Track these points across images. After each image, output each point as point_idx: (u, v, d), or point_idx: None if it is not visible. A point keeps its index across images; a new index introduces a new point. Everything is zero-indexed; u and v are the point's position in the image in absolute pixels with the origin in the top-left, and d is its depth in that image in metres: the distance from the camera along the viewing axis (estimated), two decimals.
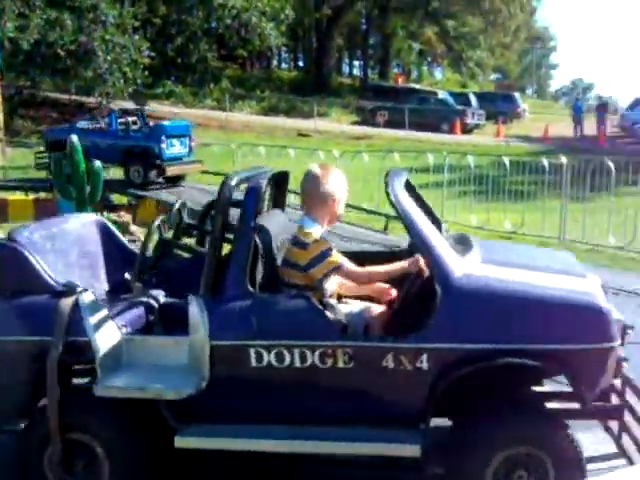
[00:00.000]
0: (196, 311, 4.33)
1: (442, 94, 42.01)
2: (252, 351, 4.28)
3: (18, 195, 18.43)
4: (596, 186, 13.40)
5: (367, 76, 62.34)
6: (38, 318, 4.55)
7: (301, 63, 69.46)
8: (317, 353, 4.24)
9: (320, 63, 51.90)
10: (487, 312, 4.18)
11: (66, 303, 4.46)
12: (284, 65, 75.45)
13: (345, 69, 74.99)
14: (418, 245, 4.29)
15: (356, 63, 75.55)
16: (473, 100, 42.17)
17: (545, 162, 13.71)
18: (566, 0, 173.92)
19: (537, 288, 4.24)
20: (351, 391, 4.32)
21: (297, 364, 4.27)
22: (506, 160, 14.48)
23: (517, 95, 48.90)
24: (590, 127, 37.03)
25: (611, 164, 12.73)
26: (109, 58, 31.29)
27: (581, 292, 4.31)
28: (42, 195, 17.93)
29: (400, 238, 12.83)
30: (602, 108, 36.91)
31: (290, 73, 63.63)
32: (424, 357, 4.14)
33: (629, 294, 9.00)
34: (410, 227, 4.27)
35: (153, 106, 38.00)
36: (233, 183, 4.51)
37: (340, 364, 4.23)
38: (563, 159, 13.72)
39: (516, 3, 50.40)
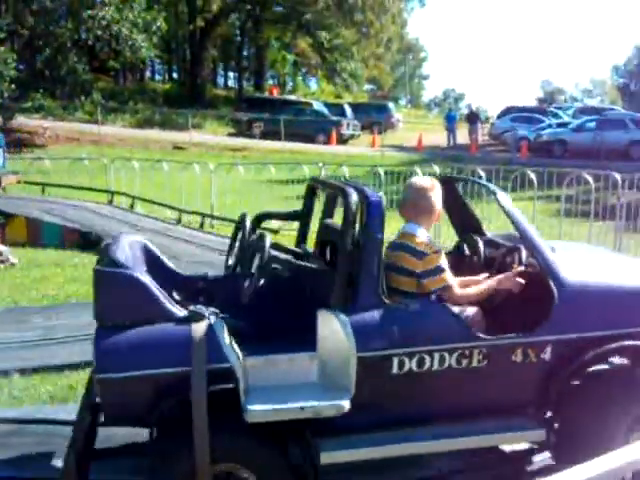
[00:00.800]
0: (335, 324, 4.32)
1: (317, 105, 42.39)
2: (395, 359, 4.41)
3: None
4: (468, 193, 13.68)
5: (242, 87, 62.33)
6: (171, 348, 4.23)
7: (175, 75, 68.79)
8: (455, 355, 4.51)
9: (194, 75, 51.55)
10: (597, 303, 4.77)
11: (200, 329, 4.21)
12: (158, 77, 74.56)
13: (220, 81, 74.75)
14: (531, 249, 4.79)
15: (231, 74, 75.48)
16: (348, 111, 42.74)
17: (418, 171, 13.94)
18: (436, 12, 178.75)
19: (628, 279, 4.99)
20: (482, 387, 4.66)
21: (435, 367, 4.49)
22: (381, 170, 14.65)
23: (391, 105, 49.87)
24: (463, 136, 38.10)
25: (482, 172, 13.07)
26: None
27: None
28: None
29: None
30: (473, 118, 38.03)
31: (164, 85, 62.91)
32: (548, 349, 4.63)
33: None
34: (522, 233, 4.76)
35: (21, 120, 36.87)
36: (355, 199, 4.57)
37: (474, 363, 4.55)
38: (435, 168, 14.00)
39: (388, 15, 51.32)
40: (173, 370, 4.20)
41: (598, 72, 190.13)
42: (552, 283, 4.65)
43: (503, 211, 4.77)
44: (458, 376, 4.54)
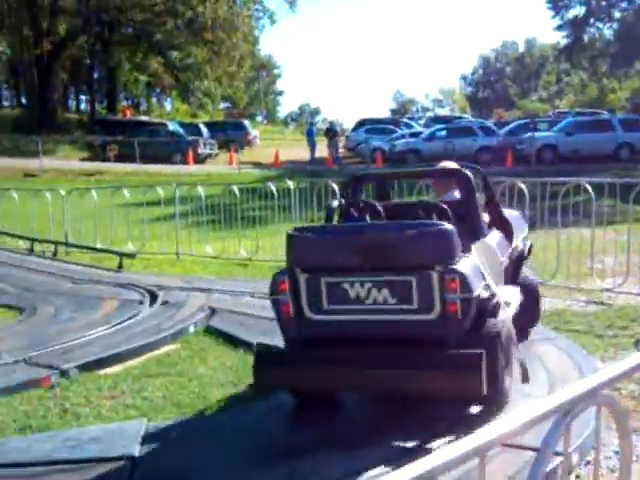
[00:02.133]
0: None
1: (172, 125, 42.11)
2: None
3: None
4: (323, 206, 13.87)
5: (95, 110, 61.06)
6: None
7: (24, 100, 66.68)
8: None
9: (44, 99, 50.03)
10: None
11: None
12: (6, 103, 72.03)
13: (72, 104, 72.91)
14: None
15: (83, 97, 73.82)
16: (204, 130, 42.61)
17: (273, 187, 14.05)
18: (288, 29, 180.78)
19: None
20: None
21: None
22: (235, 188, 14.65)
23: (247, 123, 50.06)
24: (322, 150, 38.59)
25: (335, 185, 13.29)
26: None
27: None
28: None
29: (136, 275, 12.62)
30: (330, 132, 38.64)
31: (13, 111, 60.84)
32: None
33: None
34: None
35: None
36: None
37: None
38: (289, 183, 14.15)
39: (239, 33, 51.45)
40: None
41: (447, 81, 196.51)
42: None
43: None
44: None
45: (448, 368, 5.23)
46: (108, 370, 7.53)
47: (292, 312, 5.67)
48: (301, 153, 39.82)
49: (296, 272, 5.65)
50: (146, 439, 5.56)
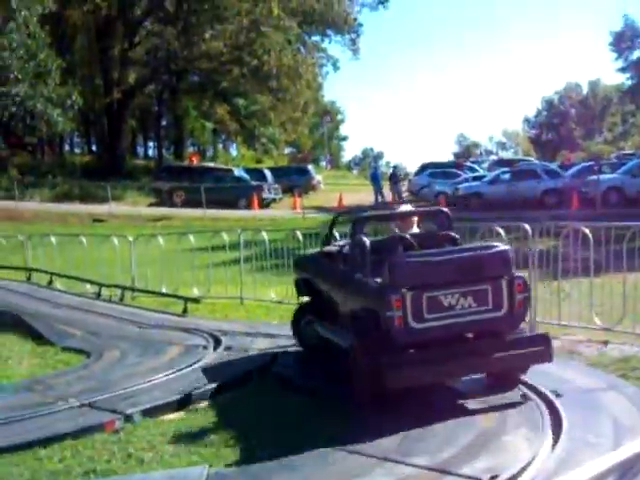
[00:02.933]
0: None
1: (237, 171, 42.62)
2: None
3: None
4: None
5: (162, 157, 62.29)
6: None
7: (95, 147, 68.38)
8: None
9: (113, 146, 51.32)
10: None
11: None
12: (77, 150, 73.98)
13: (140, 151, 74.57)
14: None
15: (151, 144, 75.41)
16: (268, 175, 43.05)
17: (336, 232, 14.02)
18: (351, 75, 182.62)
19: None
20: None
21: None
22: (299, 233, 14.69)
23: (310, 168, 50.43)
24: (387, 194, 38.60)
25: (397, 230, 13.22)
26: None
27: None
28: None
29: (201, 320, 12.70)
30: (393, 176, 38.71)
31: (83, 158, 62.39)
32: None
33: None
34: None
35: None
36: None
37: None
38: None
39: (303, 81, 52.11)
40: None
41: (510, 124, 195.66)
42: None
43: None
44: None
45: (531, 346, 7.41)
46: (171, 415, 7.56)
47: (402, 324, 7.05)
48: (365, 197, 39.88)
49: (402, 291, 7.05)
50: None
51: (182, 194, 37.95)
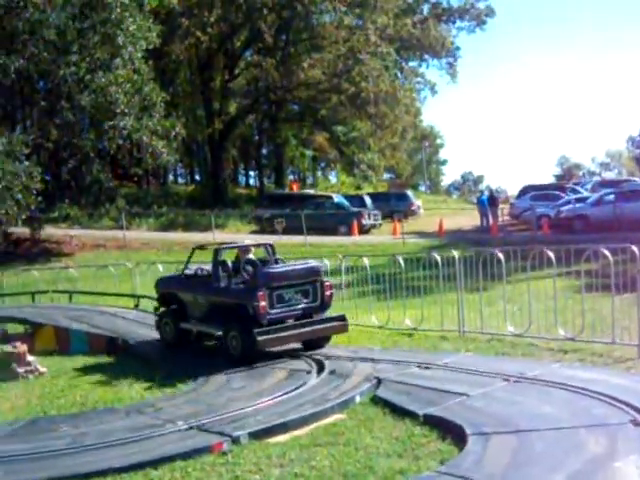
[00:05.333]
0: None
1: (337, 198, 42.81)
2: None
3: None
4: (489, 276, 13.66)
5: (263, 185, 63.22)
6: None
7: (197, 177, 69.99)
8: None
9: (216, 175, 52.41)
10: None
11: None
12: (181, 180, 75.88)
13: (241, 179, 75.88)
14: None
15: (252, 173, 76.65)
16: (368, 201, 43.11)
17: (437, 256, 14.00)
18: (449, 99, 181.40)
19: None
20: None
21: None
22: (400, 258, 14.71)
23: (410, 193, 50.27)
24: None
25: (500, 255, 13.08)
26: (0, 186, 30.86)
27: None
28: None
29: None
30: (493, 199, 38.24)
31: (187, 187, 63.97)
32: None
33: (531, 381, 9.09)
34: None
35: (49, 230, 37.54)
36: None
37: None
38: (454, 252, 14.03)
39: (400, 106, 52.19)
40: None
41: (614, 144, 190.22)
42: None
43: None
44: None
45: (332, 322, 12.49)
46: (277, 438, 7.66)
47: (264, 310, 11.64)
48: (465, 221, 39.52)
49: (264, 289, 11.71)
50: None
51: (283, 221, 38.36)
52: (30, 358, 12.98)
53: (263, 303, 11.56)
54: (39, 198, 32.58)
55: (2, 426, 9.00)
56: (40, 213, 35.06)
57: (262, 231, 39.50)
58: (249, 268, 12.61)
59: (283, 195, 46.55)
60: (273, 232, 37.88)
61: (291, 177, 68.16)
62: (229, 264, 12.69)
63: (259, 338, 11.30)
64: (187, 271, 13.86)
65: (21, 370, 12.64)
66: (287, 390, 9.26)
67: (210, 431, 7.77)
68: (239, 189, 64.25)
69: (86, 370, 12.73)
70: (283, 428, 7.86)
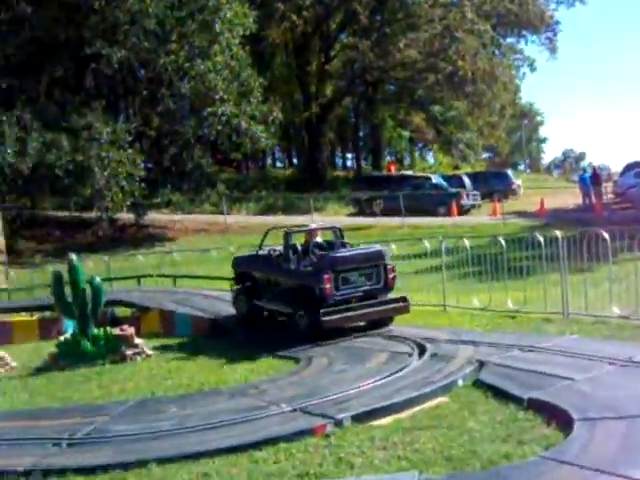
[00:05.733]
0: None
1: (435, 178, 42.40)
2: None
3: (23, 316, 18.45)
4: (594, 256, 13.28)
5: (360, 167, 63.15)
6: None
7: (295, 160, 70.43)
8: None
9: (313, 159, 52.60)
10: None
11: None
12: (279, 164, 76.54)
13: (339, 162, 75.99)
14: None
15: (349, 155, 76.64)
16: (467, 181, 42.54)
17: (539, 236, 13.70)
18: (549, 75, 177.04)
19: None
20: None
21: None
22: (501, 238, 14.46)
23: (510, 172, 49.33)
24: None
25: (606, 234, 12.71)
26: (106, 174, 31.77)
27: None
28: (48, 314, 17.94)
29: (405, 327, 12.77)
30: (596, 177, 37.16)
31: (285, 171, 64.47)
32: None
33: (638, 365, 8.81)
34: None
35: (153, 216, 38.48)
36: None
37: None
38: (557, 232, 13.69)
39: (499, 84, 51.20)
40: None
41: None
42: None
43: None
44: None
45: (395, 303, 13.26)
46: (380, 421, 7.66)
47: (330, 291, 12.42)
48: (567, 201, 38.58)
49: (329, 272, 12.46)
50: None
51: (381, 203, 38.27)
52: (138, 340, 13.34)
53: (328, 285, 12.34)
54: (142, 185, 33.45)
55: (112, 407, 9.27)
56: (144, 199, 35.95)
57: (360, 213, 39.52)
58: (317, 251, 13.37)
59: (381, 177, 46.42)
60: (371, 214, 37.87)
61: (388, 158, 67.70)
62: (298, 247, 13.44)
63: (324, 318, 12.20)
64: (261, 252, 14.58)
65: (129, 352, 13.01)
66: (389, 373, 9.24)
67: (313, 413, 7.83)
68: (337, 172, 64.37)
69: (191, 352, 13.00)
70: (386, 411, 7.85)
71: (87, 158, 31.44)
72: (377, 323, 13.03)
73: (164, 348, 13.75)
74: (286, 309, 13.41)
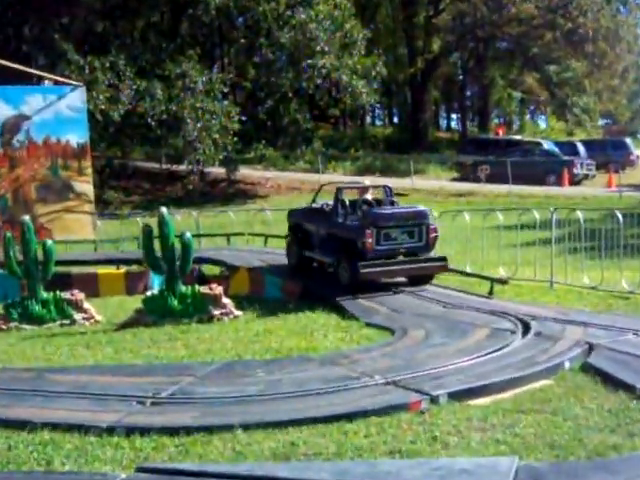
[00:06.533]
0: None
1: (547, 144, 41.53)
2: None
3: (109, 269, 18.93)
4: None
5: (466, 129, 62.32)
6: None
7: (396, 119, 69.98)
8: None
9: (416, 118, 52.15)
10: None
11: None
12: (378, 122, 76.18)
13: (442, 123, 75.15)
14: None
15: (454, 116, 75.73)
16: (581, 149, 41.44)
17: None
18: None
19: None
20: None
21: None
22: (618, 213, 14.07)
23: (628, 141, 47.85)
24: None
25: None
26: (199, 125, 32.22)
27: None
28: (134, 268, 18.39)
29: (507, 303, 12.62)
30: None
31: (385, 130, 64.12)
32: None
33: None
34: None
35: (245, 171, 38.90)
36: None
37: None
38: None
39: (622, 44, 49.62)
40: None
41: None
42: None
43: None
44: None
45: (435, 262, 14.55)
46: (478, 401, 7.59)
47: (371, 246, 13.67)
48: None
49: (371, 227, 13.68)
50: (517, 479, 5.52)
51: (487, 168, 37.74)
52: (225, 300, 13.55)
53: (370, 240, 13.62)
54: (235, 138, 33.79)
55: (198, 367, 9.44)
56: (236, 154, 36.33)
57: (464, 178, 39.11)
58: (364, 207, 14.75)
59: (488, 140, 45.73)
60: (475, 180, 37.42)
61: (496, 121, 66.66)
62: (347, 202, 14.87)
63: (362, 270, 13.58)
64: (314, 205, 16.04)
65: (217, 312, 13.23)
66: (490, 350, 9.13)
67: (407, 388, 7.80)
68: (440, 133, 63.76)
69: (280, 316, 13.14)
70: (485, 390, 7.77)
71: (181, 108, 31.95)
72: (417, 280, 14.41)
73: (252, 310, 13.92)
74: (330, 260, 14.91)
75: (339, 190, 15.06)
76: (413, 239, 14.07)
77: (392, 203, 15.30)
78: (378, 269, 13.86)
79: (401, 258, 14.14)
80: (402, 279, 14.88)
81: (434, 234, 14.25)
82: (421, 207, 15.09)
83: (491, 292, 13.53)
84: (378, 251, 13.79)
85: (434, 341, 10.07)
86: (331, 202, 15.24)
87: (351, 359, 9.33)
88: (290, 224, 16.81)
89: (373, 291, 13.95)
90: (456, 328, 10.73)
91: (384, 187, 16.18)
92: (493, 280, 13.85)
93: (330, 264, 15.07)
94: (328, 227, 15.05)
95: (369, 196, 15.55)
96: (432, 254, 14.52)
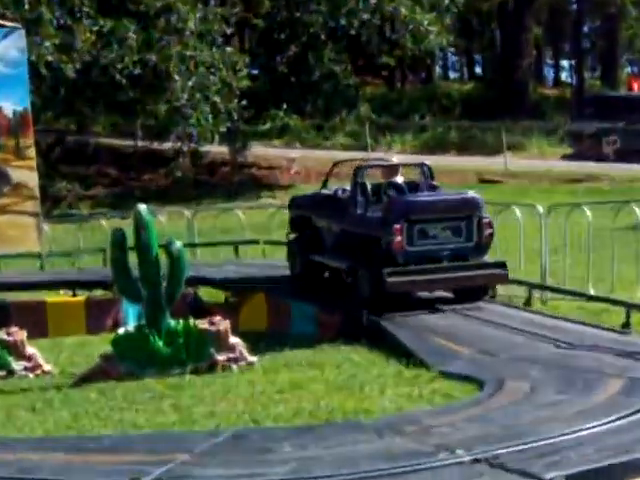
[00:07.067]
0: None
1: None
2: None
3: (62, 295, 18.94)
4: None
5: (583, 82, 62.04)
6: None
7: (479, 70, 69.90)
8: None
9: (508, 68, 51.96)
10: None
11: None
12: (453, 75, 76.17)
13: (548, 74, 74.96)
14: None
15: (565, 63, 75.45)
16: None
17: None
18: None
19: None
20: None
21: None
22: None
23: None
24: None
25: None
26: (190, 84, 32.09)
27: None
28: (98, 294, 18.41)
29: None
30: None
31: (463, 87, 64.04)
32: None
33: None
34: None
35: (258, 150, 38.83)
36: None
37: None
38: None
39: None
40: None
41: None
42: None
43: None
44: None
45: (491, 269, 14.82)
46: None
47: (400, 246, 13.77)
48: None
49: (401, 222, 13.68)
50: None
51: (616, 140, 37.54)
52: (234, 340, 13.52)
53: (399, 238, 13.75)
54: (244, 102, 33.64)
55: (195, 440, 9.40)
56: (245, 125, 36.27)
57: (580, 155, 38.84)
58: (392, 194, 14.98)
59: (617, 98, 45.41)
60: (599, 157, 37.15)
61: (628, 70, 66.46)
62: (369, 187, 15.05)
63: (389, 279, 13.64)
64: (325, 191, 16.45)
65: (221, 357, 13.20)
66: (628, 411, 9.06)
67: (507, 469, 7.75)
68: (545, 89, 63.64)
69: (315, 362, 13.10)
70: (622, 471, 7.70)
71: (163, 59, 31.80)
72: (465, 294, 14.71)
73: (274, 353, 13.91)
74: (345, 265, 15.15)
75: (358, 170, 15.25)
76: (460, 238, 14.27)
77: (432, 188, 15.44)
78: (411, 278, 13.95)
79: (444, 264, 14.24)
80: (444, 293, 15.10)
81: (489, 230, 14.40)
82: (471, 193, 15.12)
83: (627, 324, 13.43)
84: (411, 253, 13.95)
85: (544, 398, 10.02)
86: (348, 187, 15.50)
87: (421, 426, 9.30)
88: (292, 217, 17.15)
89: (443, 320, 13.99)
90: (576, 378, 10.66)
91: (421, 165, 16.45)
92: (630, 306, 13.73)
93: (346, 272, 15.25)
94: (343, 221, 15.25)
95: (399, 178, 15.65)
96: (486, 258, 14.72)
